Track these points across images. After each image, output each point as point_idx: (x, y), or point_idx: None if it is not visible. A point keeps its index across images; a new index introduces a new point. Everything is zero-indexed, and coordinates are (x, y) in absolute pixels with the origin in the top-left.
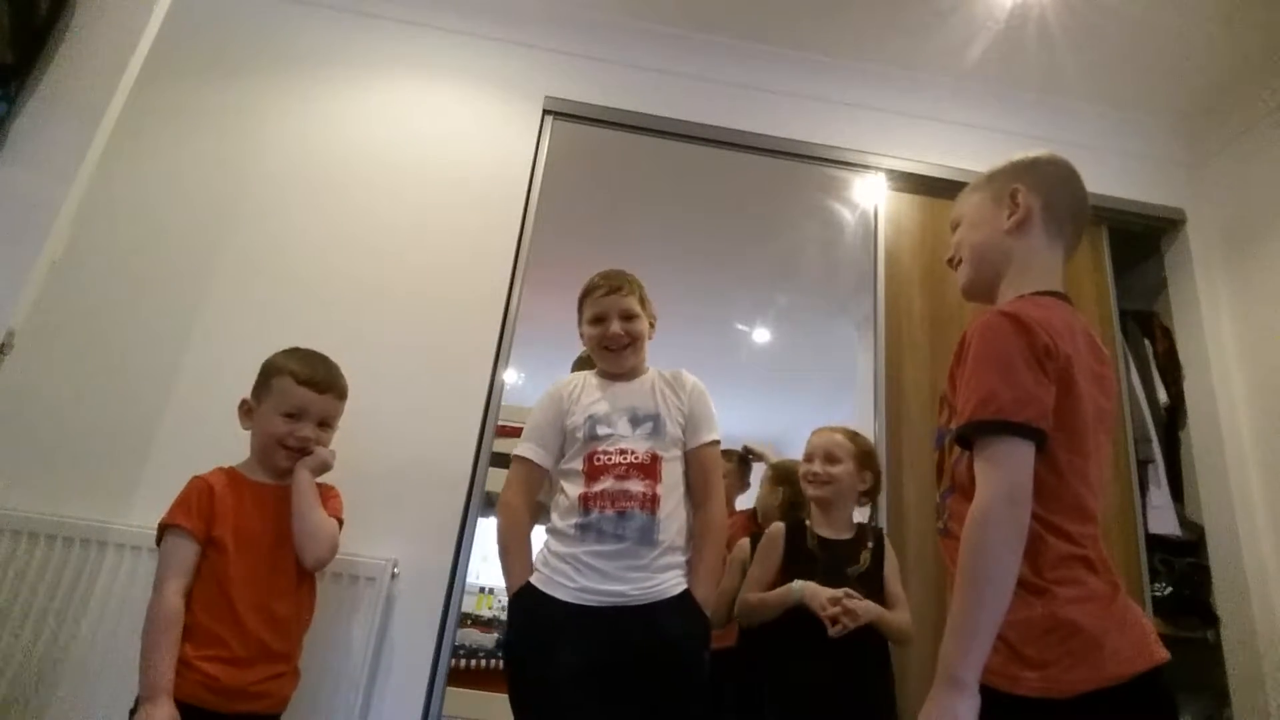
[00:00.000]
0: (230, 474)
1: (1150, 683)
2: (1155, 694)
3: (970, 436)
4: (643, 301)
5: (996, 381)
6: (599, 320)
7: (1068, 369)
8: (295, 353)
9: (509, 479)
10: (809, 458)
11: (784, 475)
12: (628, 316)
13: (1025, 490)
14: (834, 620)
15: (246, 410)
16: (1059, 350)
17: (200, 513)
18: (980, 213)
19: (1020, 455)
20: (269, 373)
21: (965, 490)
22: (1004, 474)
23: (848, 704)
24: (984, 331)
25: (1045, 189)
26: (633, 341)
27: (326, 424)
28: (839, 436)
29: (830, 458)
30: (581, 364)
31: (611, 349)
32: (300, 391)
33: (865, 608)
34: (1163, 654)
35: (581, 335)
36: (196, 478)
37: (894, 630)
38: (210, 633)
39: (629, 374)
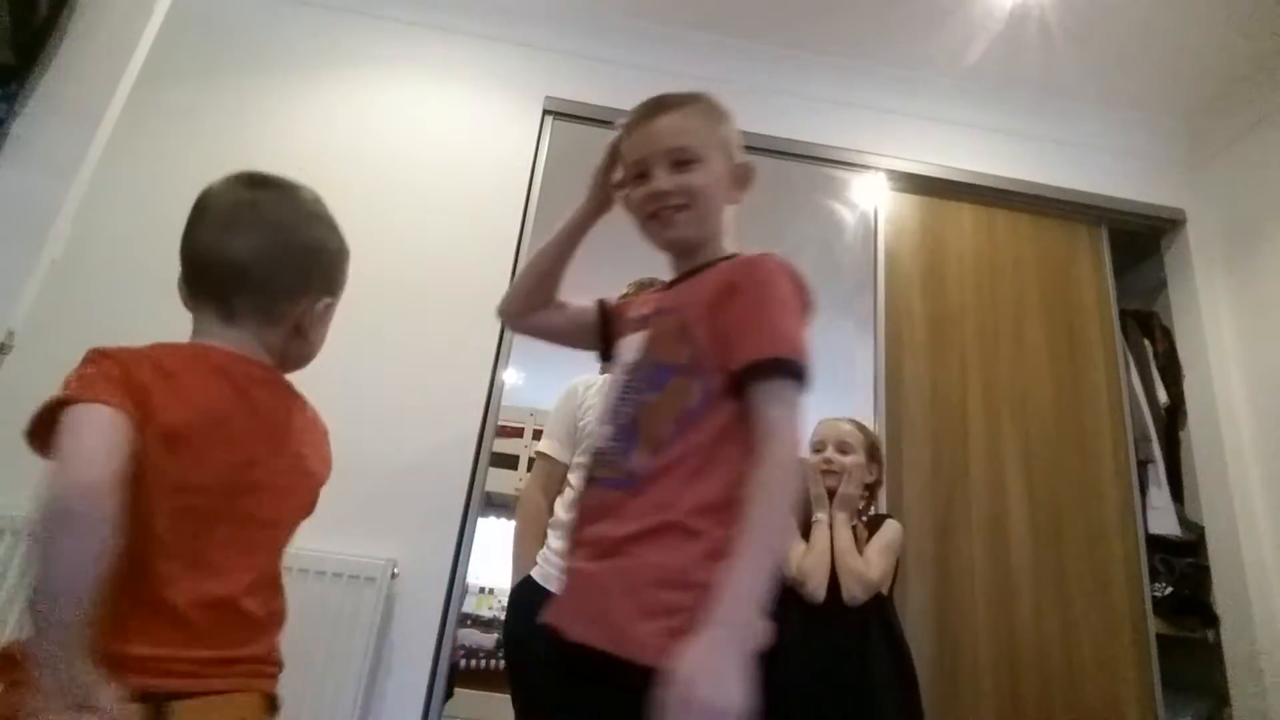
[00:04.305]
0: None
1: None
2: None
3: (767, 375)
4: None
5: (794, 324)
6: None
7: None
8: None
9: (532, 474)
10: (819, 446)
11: None
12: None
13: None
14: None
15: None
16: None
17: None
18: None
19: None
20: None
21: (666, 439)
22: (797, 421)
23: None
24: (774, 272)
25: None
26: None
27: None
28: (848, 426)
29: (843, 447)
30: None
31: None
32: None
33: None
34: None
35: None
36: None
37: (846, 560)
38: None
39: None
